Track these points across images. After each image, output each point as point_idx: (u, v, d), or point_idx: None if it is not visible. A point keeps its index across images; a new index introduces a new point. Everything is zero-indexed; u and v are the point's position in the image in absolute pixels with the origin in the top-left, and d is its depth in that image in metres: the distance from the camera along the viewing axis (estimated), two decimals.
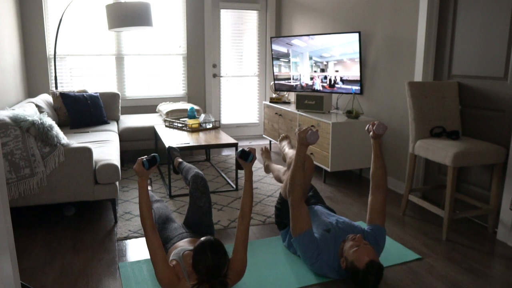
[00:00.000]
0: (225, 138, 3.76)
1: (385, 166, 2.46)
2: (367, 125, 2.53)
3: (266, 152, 3.45)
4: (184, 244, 2.22)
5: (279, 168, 3.14)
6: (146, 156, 2.09)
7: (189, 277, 1.98)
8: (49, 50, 5.02)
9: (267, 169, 3.33)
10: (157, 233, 2.07)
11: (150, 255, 2.01)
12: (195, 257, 1.90)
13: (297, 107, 4.42)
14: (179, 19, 5.52)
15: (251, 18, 5.84)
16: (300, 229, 2.31)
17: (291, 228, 2.37)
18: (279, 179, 3.11)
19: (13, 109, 2.96)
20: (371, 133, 2.49)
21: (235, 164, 2.25)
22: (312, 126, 2.41)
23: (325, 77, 4.49)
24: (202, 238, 1.96)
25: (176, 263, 2.06)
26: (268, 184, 3.90)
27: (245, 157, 2.17)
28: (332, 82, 4.42)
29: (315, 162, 4.08)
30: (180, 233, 2.37)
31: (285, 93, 5.33)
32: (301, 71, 4.79)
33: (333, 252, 2.28)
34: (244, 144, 5.63)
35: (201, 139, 3.76)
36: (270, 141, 5.37)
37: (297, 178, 2.36)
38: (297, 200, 2.35)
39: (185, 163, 2.78)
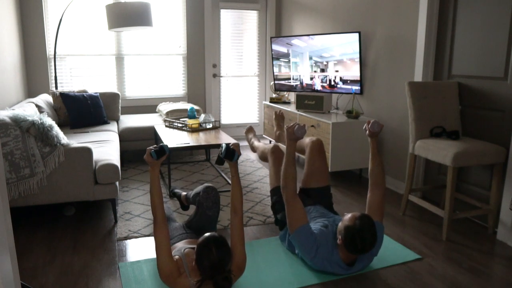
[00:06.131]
0: (225, 138, 3.76)
1: (383, 164, 2.48)
2: (364, 125, 2.55)
3: (251, 130, 3.48)
4: (184, 245, 2.22)
5: (265, 146, 3.14)
6: (154, 146, 2.08)
7: (191, 274, 1.99)
8: (49, 50, 5.02)
9: (253, 148, 3.35)
10: (167, 224, 2.07)
11: (156, 246, 2.02)
12: (199, 253, 1.90)
13: (297, 107, 4.42)
14: (179, 19, 5.52)
15: (251, 18, 5.84)
16: (296, 224, 2.33)
17: (288, 225, 2.39)
18: (264, 158, 3.11)
19: (13, 109, 2.96)
20: (367, 131, 2.52)
21: (216, 160, 2.21)
22: (297, 123, 2.44)
23: (325, 77, 4.49)
24: (206, 234, 1.96)
25: (178, 258, 2.07)
26: (268, 184, 3.89)
27: (231, 157, 2.12)
28: (332, 82, 4.42)
29: None
30: (180, 233, 2.37)
31: (285, 93, 5.33)
32: (301, 71, 4.79)
33: (331, 245, 2.30)
34: (244, 145, 5.63)
35: (201, 139, 3.76)
36: (270, 141, 5.37)
37: (289, 173, 2.40)
38: (291, 195, 2.37)
39: (190, 192, 2.77)
